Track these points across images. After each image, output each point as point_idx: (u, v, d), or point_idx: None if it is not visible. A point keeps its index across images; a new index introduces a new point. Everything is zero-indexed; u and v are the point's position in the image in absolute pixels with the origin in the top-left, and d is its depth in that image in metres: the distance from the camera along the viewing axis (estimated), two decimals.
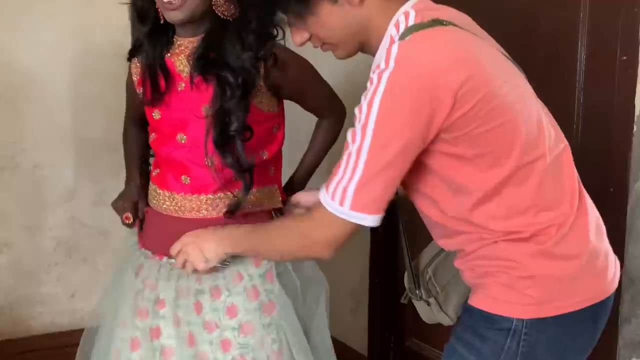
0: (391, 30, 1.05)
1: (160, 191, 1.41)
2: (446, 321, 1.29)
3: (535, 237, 1.04)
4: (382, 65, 0.98)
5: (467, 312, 1.13)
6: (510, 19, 1.73)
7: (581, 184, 1.13)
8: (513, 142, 1.01)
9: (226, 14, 1.30)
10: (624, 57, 1.47)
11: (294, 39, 1.13)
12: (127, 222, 1.48)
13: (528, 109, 1.05)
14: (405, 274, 1.31)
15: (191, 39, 1.34)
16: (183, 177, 1.37)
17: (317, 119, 1.57)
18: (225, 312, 1.36)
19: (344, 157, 1.01)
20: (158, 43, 1.37)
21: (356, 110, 1.00)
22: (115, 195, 1.56)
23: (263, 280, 1.38)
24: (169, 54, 1.37)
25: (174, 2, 1.25)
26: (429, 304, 1.28)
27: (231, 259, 1.33)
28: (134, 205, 1.50)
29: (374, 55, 1.09)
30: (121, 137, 1.63)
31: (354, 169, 0.99)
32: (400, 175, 1.01)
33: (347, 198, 1.00)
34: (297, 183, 1.56)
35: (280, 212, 1.45)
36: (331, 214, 1.03)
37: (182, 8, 1.26)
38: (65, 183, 2.38)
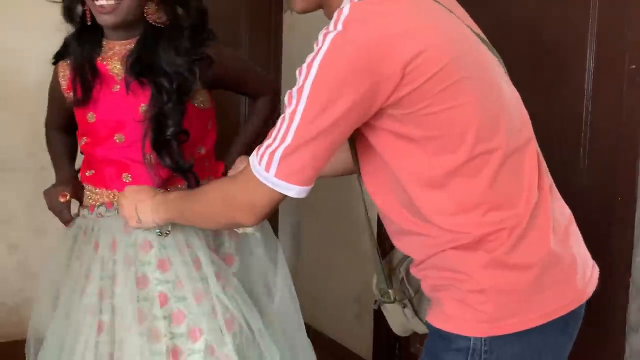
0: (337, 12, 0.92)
1: (98, 190, 1.42)
2: (421, 329, 1.16)
3: (484, 243, 0.93)
4: (331, 27, 0.89)
5: (430, 333, 1.03)
6: (517, 27, 1.73)
7: (551, 183, 1.03)
8: (467, 127, 0.91)
9: (158, 21, 1.33)
10: (633, 66, 1.46)
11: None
12: (62, 199, 1.41)
13: (491, 94, 0.95)
14: (375, 275, 1.19)
15: (123, 42, 1.37)
16: (124, 174, 1.40)
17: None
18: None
19: (279, 120, 0.94)
20: (87, 44, 1.38)
21: (297, 72, 0.92)
22: None
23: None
24: (100, 58, 1.39)
25: (105, 6, 1.28)
26: (404, 307, 1.15)
27: (170, 230, 1.33)
28: (68, 188, 1.45)
29: (329, 19, 0.95)
30: None
31: (284, 134, 0.91)
32: (332, 148, 0.93)
33: (273, 164, 0.92)
34: (234, 157, 1.53)
35: None
36: (256, 179, 0.95)
37: (115, 12, 1.29)
38: None
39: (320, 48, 0.89)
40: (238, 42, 2.85)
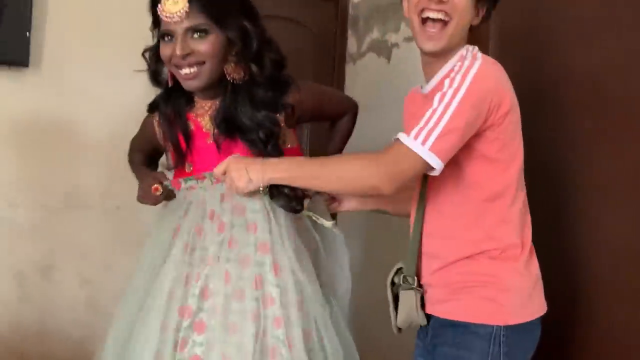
0: (462, 50, 1.31)
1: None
2: (420, 321, 1.35)
3: (506, 254, 1.28)
4: (469, 58, 1.25)
5: (443, 327, 1.30)
6: (581, 78, 1.72)
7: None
8: (519, 160, 1.32)
9: (236, 77, 1.41)
10: None
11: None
12: (156, 192, 1.47)
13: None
14: (402, 266, 1.37)
15: (210, 102, 1.47)
16: None
17: None
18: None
19: (427, 113, 1.19)
20: (179, 101, 1.48)
21: (447, 81, 1.21)
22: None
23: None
24: (193, 114, 1.49)
25: (189, 73, 1.37)
26: (422, 294, 1.34)
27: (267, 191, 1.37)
28: (157, 177, 1.52)
29: (427, 77, 1.38)
30: None
31: (439, 119, 1.18)
32: (465, 139, 1.21)
33: (430, 139, 1.17)
34: None
35: None
36: (409, 150, 1.18)
37: (198, 78, 1.38)
38: (143, 226, 2.51)
39: (471, 66, 1.22)
40: None
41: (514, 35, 2.02)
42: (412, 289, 1.34)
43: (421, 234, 1.37)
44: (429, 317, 1.36)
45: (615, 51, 1.62)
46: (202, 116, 1.48)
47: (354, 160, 1.28)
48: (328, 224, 1.43)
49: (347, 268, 1.61)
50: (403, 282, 1.36)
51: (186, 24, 1.33)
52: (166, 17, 1.33)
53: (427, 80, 1.38)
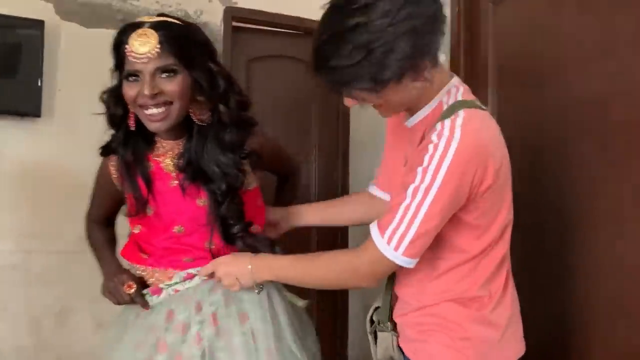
0: (442, 97, 1.24)
1: (158, 269, 1.46)
2: (399, 357, 1.37)
3: (474, 303, 1.26)
4: (447, 132, 1.14)
5: None
6: (584, 104, 1.74)
7: (509, 259, 1.33)
8: (502, 219, 1.26)
9: (202, 119, 1.39)
10: None
11: (345, 102, 1.26)
12: (129, 290, 1.42)
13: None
14: (380, 305, 1.43)
15: (172, 142, 1.43)
16: (185, 258, 1.44)
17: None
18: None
19: (401, 208, 1.16)
20: (139, 143, 1.43)
21: (420, 169, 1.15)
22: None
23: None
24: (152, 154, 1.44)
25: (156, 114, 1.32)
26: (395, 335, 1.38)
27: (263, 286, 1.40)
28: (130, 276, 1.46)
29: (410, 111, 1.29)
30: None
31: (411, 222, 1.15)
32: (440, 228, 1.19)
33: (402, 246, 1.17)
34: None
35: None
36: (383, 256, 1.19)
37: (165, 120, 1.33)
38: None
39: (445, 155, 1.13)
40: (308, 125, 3.03)
41: (513, 62, 2.05)
42: (387, 331, 1.39)
43: (394, 281, 1.40)
44: None
45: (617, 76, 1.64)
46: (163, 157, 1.44)
47: (335, 265, 1.29)
48: (301, 303, 1.44)
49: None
50: (379, 324, 1.42)
51: (155, 64, 1.30)
52: (134, 57, 1.29)
53: (410, 110, 1.31)
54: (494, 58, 2.14)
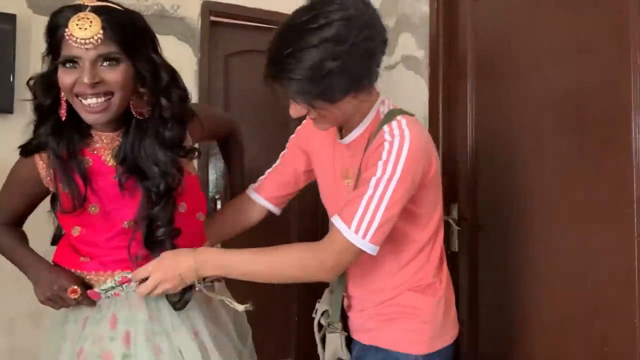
0: (379, 107, 1.37)
1: (100, 273, 1.35)
2: (347, 357, 1.48)
3: (430, 289, 1.39)
4: (397, 132, 1.27)
5: (369, 351, 1.41)
6: (562, 99, 1.76)
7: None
8: (439, 208, 1.40)
9: (141, 112, 1.30)
10: None
11: (291, 112, 1.30)
12: (74, 295, 1.31)
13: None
14: (323, 309, 1.52)
15: (110, 134, 1.33)
16: (137, 256, 1.32)
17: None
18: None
19: (364, 199, 1.24)
20: (70, 139, 1.31)
21: (380, 164, 1.25)
22: None
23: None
24: (89, 148, 1.33)
25: (94, 105, 1.22)
26: (347, 335, 1.48)
27: (213, 285, 1.37)
28: (68, 278, 1.34)
29: (345, 127, 1.39)
30: None
31: (376, 210, 1.23)
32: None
33: (369, 233, 1.23)
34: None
35: None
36: (351, 244, 1.24)
37: (106, 111, 1.23)
38: None
39: (401, 151, 1.25)
40: (286, 119, 2.99)
41: (491, 56, 2.07)
42: (337, 332, 1.48)
43: (344, 283, 1.46)
44: (349, 342, 1.49)
45: (593, 71, 1.66)
46: (104, 150, 1.34)
47: (295, 259, 1.28)
48: (240, 307, 1.35)
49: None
50: (329, 326, 1.50)
51: (97, 51, 1.20)
52: (75, 42, 1.19)
53: (343, 127, 1.40)
54: (473, 52, 2.16)
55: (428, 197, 1.35)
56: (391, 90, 2.61)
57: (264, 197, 1.58)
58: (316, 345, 1.56)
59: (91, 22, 1.20)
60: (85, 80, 1.20)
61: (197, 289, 1.32)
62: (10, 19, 2.37)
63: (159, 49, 1.34)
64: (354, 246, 1.24)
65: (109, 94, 1.24)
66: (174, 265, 1.26)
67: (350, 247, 1.25)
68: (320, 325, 1.54)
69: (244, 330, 1.58)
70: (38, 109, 1.31)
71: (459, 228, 2.17)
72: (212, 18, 2.91)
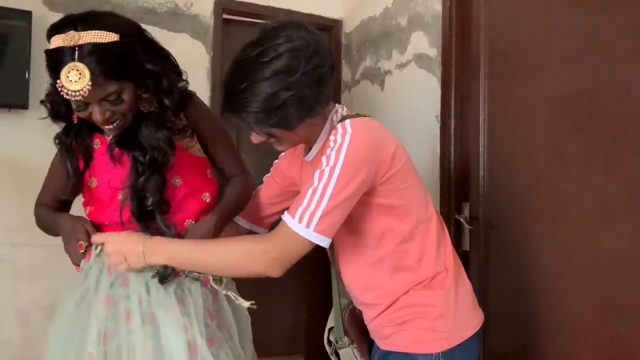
0: (332, 117, 1.39)
1: None
2: None
3: (434, 282, 1.37)
4: (341, 131, 1.29)
5: (389, 356, 1.40)
6: (573, 99, 1.74)
7: (447, 242, 1.45)
8: (417, 198, 1.38)
9: (147, 107, 1.41)
10: None
11: (252, 139, 1.35)
12: (81, 250, 1.41)
13: (419, 179, 1.43)
14: (334, 325, 1.49)
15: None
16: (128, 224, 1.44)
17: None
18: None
19: (309, 191, 1.25)
20: (81, 134, 1.46)
21: (324, 159, 1.27)
22: None
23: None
24: (102, 133, 1.47)
25: (112, 128, 1.36)
26: (355, 347, 1.48)
27: (173, 278, 1.40)
28: (83, 229, 1.44)
29: (309, 143, 1.42)
30: None
31: (319, 200, 1.24)
32: (348, 211, 1.28)
33: (313, 222, 1.23)
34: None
35: None
36: (297, 234, 1.24)
37: (121, 127, 1.38)
38: None
39: (343, 142, 1.26)
40: None
41: (504, 55, 2.06)
42: (347, 347, 1.48)
43: (343, 290, 1.47)
44: (371, 345, 1.49)
45: (605, 70, 1.65)
46: (110, 134, 1.46)
47: (240, 247, 1.29)
48: (246, 303, 1.39)
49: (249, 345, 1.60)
50: (337, 343, 1.49)
51: (98, 95, 1.29)
52: (67, 95, 1.26)
53: (309, 144, 1.44)
54: (485, 51, 2.15)
55: (395, 188, 1.33)
56: (403, 89, 2.61)
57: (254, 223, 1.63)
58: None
59: (80, 73, 1.24)
60: (98, 120, 1.33)
61: (182, 276, 1.41)
62: (26, 15, 2.40)
63: (154, 52, 1.42)
64: (298, 235, 1.24)
65: (121, 116, 1.36)
66: (123, 244, 1.34)
67: (294, 237, 1.24)
68: (330, 342, 1.54)
69: (244, 335, 1.59)
70: (54, 118, 1.45)
71: (470, 227, 2.17)
72: (225, 16, 2.92)
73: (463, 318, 1.39)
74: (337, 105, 1.43)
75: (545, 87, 1.85)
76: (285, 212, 1.28)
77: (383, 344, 1.43)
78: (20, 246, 2.47)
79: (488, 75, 2.14)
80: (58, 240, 1.49)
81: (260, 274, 1.27)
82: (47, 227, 1.57)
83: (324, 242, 1.26)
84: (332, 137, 1.31)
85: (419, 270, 1.37)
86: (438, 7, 2.38)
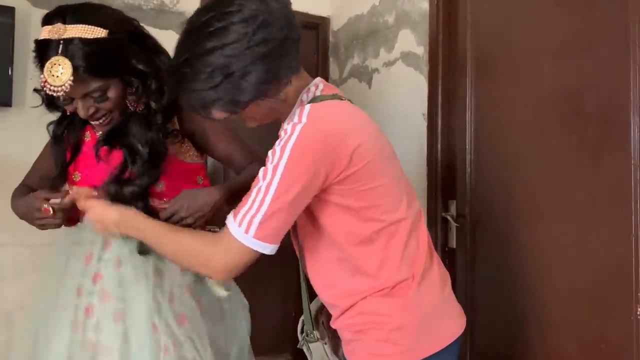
0: (302, 96, 1.25)
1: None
2: None
3: (397, 290, 1.23)
4: (296, 120, 1.16)
5: None
6: (559, 98, 1.75)
7: (432, 244, 1.34)
8: (386, 201, 1.23)
9: (134, 106, 1.40)
10: None
11: (214, 116, 1.21)
12: (47, 214, 1.36)
13: (396, 178, 1.27)
14: (302, 318, 1.41)
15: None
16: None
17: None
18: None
19: (254, 191, 1.15)
20: (73, 125, 1.47)
21: (270, 153, 1.16)
22: None
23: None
24: (92, 126, 1.47)
25: (99, 124, 1.38)
26: (325, 344, 1.39)
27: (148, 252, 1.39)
28: (42, 198, 1.39)
29: (281, 119, 1.29)
30: None
31: (261, 203, 1.13)
32: (297, 213, 1.17)
33: (252, 227, 1.13)
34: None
35: None
36: (236, 240, 1.14)
37: (109, 124, 1.39)
38: None
39: (291, 136, 1.13)
40: None
41: (491, 54, 2.07)
42: (315, 341, 1.40)
43: (308, 289, 1.39)
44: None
45: (591, 69, 1.66)
46: (99, 129, 1.46)
47: (193, 247, 1.21)
48: (223, 293, 1.37)
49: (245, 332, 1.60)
50: (307, 336, 1.41)
51: (81, 90, 1.28)
52: (50, 90, 1.24)
53: (279, 119, 1.36)
54: (472, 49, 2.16)
55: (356, 187, 1.19)
56: (390, 87, 2.62)
57: None
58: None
59: (62, 67, 1.22)
60: (82, 115, 1.33)
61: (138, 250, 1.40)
62: (9, 11, 2.36)
63: (147, 50, 1.40)
64: (238, 242, 1.14)
65: (107, 113, 1.36)
66: (102, 213, 1.32)
67: (235, 244, 1.14)
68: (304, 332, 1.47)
69: (236, 336, 1.58)
70: (48, 107, 1.45)
71: (457, 225, 2.17)
72: None
73: (431, 329, 1.26)
74: (316, 79, 1.28)
75: (531, 85, 1.86)
76: (232, 211, 1.19)
77: (345, 350, 1.33)
78: (3, 246, 2.43)
79: (475, 73, 2.14)
80: (41, 239, 1.48)
81: (207, 275, 1.24)
82: (16, 208, 1.52)
83: (267, 249, 1.15)
84: (285, 125, 1.19)
85: (380, 277, 1.24)
86: (425, 6, 2.38)
